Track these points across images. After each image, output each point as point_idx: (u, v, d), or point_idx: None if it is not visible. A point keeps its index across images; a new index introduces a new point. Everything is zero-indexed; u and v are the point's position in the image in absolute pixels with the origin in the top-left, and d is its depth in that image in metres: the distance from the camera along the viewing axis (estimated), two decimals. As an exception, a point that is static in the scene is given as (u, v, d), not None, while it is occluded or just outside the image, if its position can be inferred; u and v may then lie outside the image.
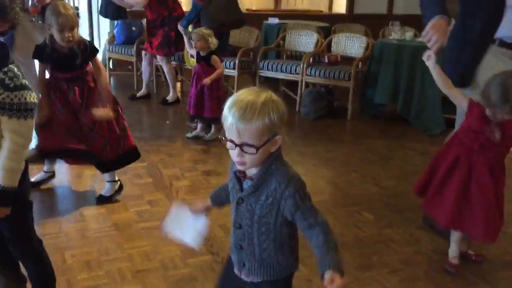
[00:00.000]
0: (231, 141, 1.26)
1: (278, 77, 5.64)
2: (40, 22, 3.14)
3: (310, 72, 5.27)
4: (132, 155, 3.06)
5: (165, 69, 5.51)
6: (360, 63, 5.30)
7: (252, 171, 1.34)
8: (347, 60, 5.57)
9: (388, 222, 2.91)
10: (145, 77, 5.73)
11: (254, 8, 8.46)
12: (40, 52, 2.76)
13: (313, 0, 9.26)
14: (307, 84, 5.46)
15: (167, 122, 5.01)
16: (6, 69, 1.56)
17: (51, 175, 3.24)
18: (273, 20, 6.75)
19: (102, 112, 2.76)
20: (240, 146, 1.25)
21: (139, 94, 5.72)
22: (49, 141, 2.83)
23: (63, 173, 3.39)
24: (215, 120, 4.10)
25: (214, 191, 1.60)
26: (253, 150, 1.25)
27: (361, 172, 3.66)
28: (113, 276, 2.26)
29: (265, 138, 1.25)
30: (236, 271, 1.49)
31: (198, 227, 1.55)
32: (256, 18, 7.28)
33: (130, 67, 6.42)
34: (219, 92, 4.20)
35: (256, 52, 5.82)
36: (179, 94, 5.66)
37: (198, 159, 3.83)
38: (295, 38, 5.97)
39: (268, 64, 5.57)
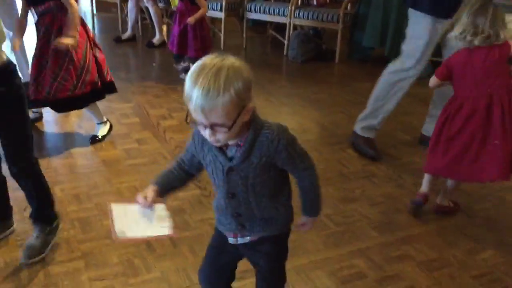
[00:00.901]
0: (200, 123, 1.15)
1: (266, 19, 5.55)
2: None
3: (298, 14, 5.19)
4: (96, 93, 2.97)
5: (151, 10, 5.40)
6: (349, 4, 5.22)
7: (233, 140, 1.24)
8: (336, 2, 5.48)
9: (372, 160, 2.97)
10: (130, 19, 5.62)
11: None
12: None
13: None
14: (295, 27, 5.40)
15: (154, 64, 4.96)
16: None
17: (39, 115, 3.23)
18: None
19: (64, 40, 2.66)
20: (210, 126, 1.14)
21: (124, 36, 5.62)
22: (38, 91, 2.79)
23: (50, 112, 3.37)
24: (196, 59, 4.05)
25: (162, 176, 1.39)
26: (225, 129, 1.14)
27: (347, 113, 3.70)
28: (101, 208, 2.31)
29: (235, 114, 1.13)
30: (230, 238, 1.42)
31: (159, 214, 1.31)
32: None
33: (114, 9, 6.27)
34: (203, 31, 4.13)
35: (243, -6, 5.70)
36: (165, 37, 5.57)
37: (172, 101, 3.82)
38: (283, -21, 5.83)
39: (255, 6, 5.47)
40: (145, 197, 1.30)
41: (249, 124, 1.21)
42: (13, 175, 1.90)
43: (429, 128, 3.14)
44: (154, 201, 1.31)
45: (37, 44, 2.77)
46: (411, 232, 2.28)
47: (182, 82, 4.22)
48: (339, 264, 2.02)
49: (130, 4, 5.51)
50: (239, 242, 1.42)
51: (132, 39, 5.65)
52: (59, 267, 1.91)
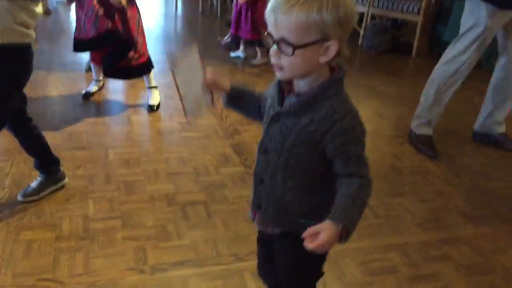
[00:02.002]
0: (270, 33, 0.99)
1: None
2: None
3: (378, 4, 5.02)
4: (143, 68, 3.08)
5: None
6: (434, -3, 4.96)
7: (300, 85, 1.05)
8: (420, -7, 5.24)
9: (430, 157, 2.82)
10: None
11: None
12: None
13: None
14: (373, 17, 5.23)
15: (219, 39, 4.98)
16: None
17: (101, 84, 3.39)
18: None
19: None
20: (278, 42, 0.97)
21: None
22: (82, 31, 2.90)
23: (116, 83, 3.54)
24: (257, 42, 4.04)
25: (241, 85, 1.24)
26: (289, 49, 0.96)
27: (413, 107, 3.49)
28: (148, 174, 2.39)
29: (309, 38, 0.95)
30: (250, 215, 1.26)
31: (202, 96, 1.19)
32: None
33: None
34: (255, 13, 4.04)
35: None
36: None
37: (249, 81, 3.85)
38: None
39: None
40: (215, 75, 1.16)
41: (325, 78, 1.03)
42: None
43: (481, 124, 2.97)
44: (214, 87, 1.17)
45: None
46: (457, 233, 2.14)
47: (247, 64, 4.24)
48: (371, 255, 1.94)
49: None
50: (256, 223, 1.26)
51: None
52: (98, 223, 2.00)
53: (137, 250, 1.85)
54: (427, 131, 2.89)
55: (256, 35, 3.96)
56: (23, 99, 2.02)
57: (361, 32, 5.18)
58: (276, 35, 0.97)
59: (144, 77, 3.17)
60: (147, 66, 3.08)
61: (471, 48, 2.62)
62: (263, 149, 1.14)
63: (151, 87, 3.19)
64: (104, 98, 3.33)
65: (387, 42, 4.95)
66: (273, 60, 1.02)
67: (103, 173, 2.37)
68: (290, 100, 1.06)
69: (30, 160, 2.23)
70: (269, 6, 0.97)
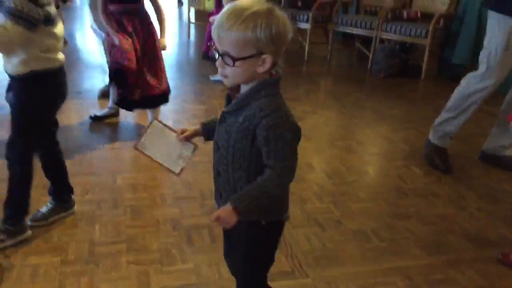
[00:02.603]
0: (216, 47, 1.15)
1: (353, 32, 5.49)
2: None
3: (386, 28, 5.08)
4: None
5: None
6: (442, 20, 5.00)
7: (244, 90, 1.21)
8: (429, 17, 5.27)
9: (436, 179, 2.82)
10: None
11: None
12: None
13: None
14: (382, 41, 5.28)
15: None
16: None
17: (115, 112, 3.47)
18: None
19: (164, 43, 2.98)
20: (222, 55, 1.14)
21: None
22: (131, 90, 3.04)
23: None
24: None
25: (209, 121, 1.41)
26: (230, 61, 1.13)
27: (420, 130, 3.54)
28: (154, 199, 2.43)
29: (247, 52, 1.11)
30: (215, 204, 1.37)
31: (183, 151, 1.39)
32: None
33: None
34: None
35: (332, 7, 5.69)
36: None
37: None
38: (375, -8, 5.75)
39: (344, 19, 5.44)
40: (184, 131, 1.38)
41: (258, 83, 1.17)
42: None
43: (490, 146, 2.97)
44: (189, 140, 1.38)
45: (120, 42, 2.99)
46: (463, 256, 2.13)
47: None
48: (374, 279, 1.94)
49: None
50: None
51: None
52: (103, 247, 2.04)
53: (141, 274, 1.88)
54: (445, 143, 2.91)
55: None
56: (55, 122, 2.11)
57: (370, 56, 5.23)
58: (220, 49, 1.14)
59: (148, 111, 3.24)
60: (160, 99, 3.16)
61: (492, 67, 2.62)
62: (215, 147, 1.28)
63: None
64: (114, 124, 3.41)
65: (396, 65, 4.99)
66: (219, 70, 1.18)
67: (110, 198, 2.42)
68: (233, 101, 1.22)
69: (40, 186, 2.30)
70: (214, 24, 1.13)
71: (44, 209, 2.19)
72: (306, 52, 5.56)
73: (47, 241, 2.05)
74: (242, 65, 1.13)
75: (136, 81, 2.99)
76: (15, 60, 1.86)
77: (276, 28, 1.11)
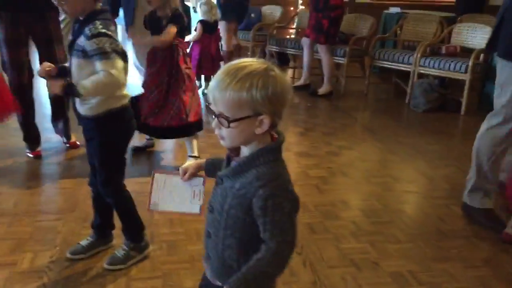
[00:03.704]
0: (212, 108, 1.12)
1: (390, 67, 5.47)
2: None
3: (424, 63, 5.04)
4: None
5: (323, 59, 5.34)
6: (482, 55, 4.93)
7: (243, 152, 1.17)
8: (468, 52, 5.21)
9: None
10: (305, 65, 5.59)
11: (377, -3, 8.27)
12: (145, 18, 3.14)
13: (443, -10, 8.77)
14: (420, 75, 5.23)
15: (309, 105, 5.09)
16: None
17: (153, 142, 3.55)
18: (394, 9, 6.55)
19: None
20: (217, 116, 1.11)
21: (298, 82, 5.63)
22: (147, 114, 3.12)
23: (166, 143, 3.69)
24: None
25: (213, 158, 1.37)
26: (225, 123, 1.09)
27: (461, 167, 3.45)
28: (190, 234, 2.45)
29: (242, 113, 1.07)
30: (204, 263, 1.30)
31: (194, 189, 1.35)
32: (376, 7, 7.13)
33: (248, 53, 6.68)
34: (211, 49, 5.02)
35: (369, 41, 5.70)
36: (332, 88, 5.47)
37: (293, 141, 3.92)
38: (412, 27, 5.74)
39: (381, 53, 5.44)
40: (187, 170, 1.33)
41: (262, 146, 1.13)
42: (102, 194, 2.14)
43: None
44: (194, 175, 1.34)
45: (152, 72, 3.09)
46: (507, 304, 2.04)
47: (292, 123, 4.25)
48: (413, 325, 1.88)
49: (305, 50, 5.51)
50: (206, 271, 1.29)
51: (305, 87, 5.54)
52: (139, 283, 2.06)
53: (175, 311, 1.88)
54: (486, 204, 2.69)
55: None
56: None
57: (408, 90, 5.19)
58: (215, 109, 1.11)
59: (186, 143, 3.28)
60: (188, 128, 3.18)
61: (507, 113, 2.50)
62: (210, 208, 1.23)
63: (191, 156, 3.24)
64: (153, 157, 3.48)
65: (435, 100, 4.92)
66: (215, 131, 1.14)
67: (147, 232, 2.43)
68: (232, 165, 1.18)
69: (81, 219, 2.36)
70: (210, 84, 1.11)
71: (84, 242, 2.23)
72: (342, 86, 5.56)
73: (85, 275, 2.08)
74: (238, 126, 1.09)
75: (156, 108, 3.08)
76: (94, 101, 1.94)
77: (273, 87, 1.07)
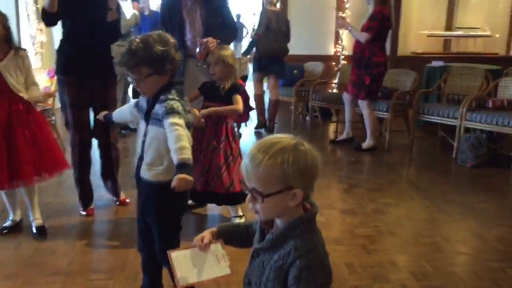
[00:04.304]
0: (245, 183, 1.17)
1: (436, 121, 5.41)
2: (204, 66, 3.59)
3: (471, 117, 4.97)
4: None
5: (364, 113, 5.35)
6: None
7: (278, 224, 1.20)
8: (516, 105, 5.12)
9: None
10: (347, 120, 5.65)
11: (419, 51, 8.32)
12: (202, 86, 3.26)
13: (487, 42, 8.73)
14: (467, 130, 5.15)
15: (352, 160, 5.09)
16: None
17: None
18: (437, 63, 6.56)
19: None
20: (251, 191, 1.15)
21: (340, 137, 5.71)
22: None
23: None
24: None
25: (227, 225, 1.44)
26: (259, 198, 1.13)
27: (515, 227, 3.33)
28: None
29: (275, 188, 1.11)
30: None
31: (216, 253, 1.37)
32: (419, 61, 7.16)
33: (291, 107, 6.79)
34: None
35: (413, 95, 5.69)
36: (376, 142, 5.42)
37: (337, 198, 3.90)
38: (456, 81, 5.71)
39: (425, 107, 5.42)
40: (202, 239, 1.34)
41: (296, 217, 1.16)
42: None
43: None
44: (210, 242, 1.35)
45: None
46: None
47: (336, 180, 4.21)
48: None
49: (346, 105, 5.53)
50: None
51: (349, 141, 5.57)
52: None
53: None
54: None
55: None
56: None
57: (455, 145, 5.10)
58: (249, 185, 1.15)
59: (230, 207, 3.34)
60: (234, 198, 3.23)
61: None
62: (247, 281, 1.26)
63: (235, 216, 3.31)
64: (204, 213, 3.54)
65: (483, 155, 4.80)
66: (249, 206, 1.18)
67: None
68: (268, 238, 1.21)
69: (131, 278, 2.40)
70: (243, 161, 1.17)
71: None
72: (386, 140, 5.54)
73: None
74: (272, 200, 1.13)
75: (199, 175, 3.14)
76: (161, 167, 2.03)
77: (304, 161, 1.12)
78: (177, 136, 1.89)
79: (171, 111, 1.93)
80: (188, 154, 1.88)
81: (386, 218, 3.50)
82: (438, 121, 5.37)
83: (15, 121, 2.87)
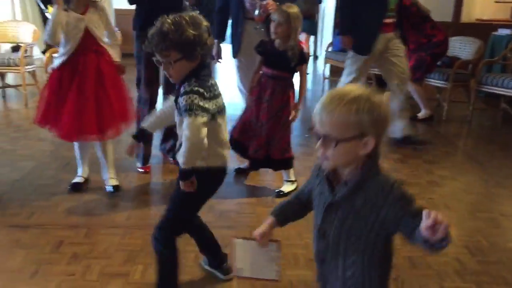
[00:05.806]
0: (316, 130, 1.18)
1: (498, 92, 5.16)
2: (262, 29, 3.55)
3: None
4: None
5: (411, 88, 5.10)
6: None
7: (345, 174, 1.23)
8: None
9: None
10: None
11: (485, 18, 7.88)
12: (261, 45, 3.17)
13: None
14: (533, 103, 4.90)
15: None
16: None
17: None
18: (504, 31, 6.20)
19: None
20: (324, 137, 1.16)
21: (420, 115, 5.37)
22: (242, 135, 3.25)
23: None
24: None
25: (280, 207, 1.48)
26: (332, 143, 1.14)
27: None
28: (288, 259, 2.48)
29: (349, 134, 1.13)
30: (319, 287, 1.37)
31: (270, 253, 1.40)
32: (484, 28, 6.78)
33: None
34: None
35: (475, 65, 5.43)
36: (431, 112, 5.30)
37: (391, 168, 3.83)
38: (525, 51, 5.40)
39: (488, 78, 5.16)
40: (263, 235, 1.40)
41: (365, 164, 1.20)
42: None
43: None
44: (271, 239, 1.41)
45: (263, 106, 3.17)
46: None
47: (392, 150, 4.11)
48: None
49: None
50: None
51: (429, 118, 5.29)
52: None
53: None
54: None
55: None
56: None
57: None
58: (321, 131, 1.17)
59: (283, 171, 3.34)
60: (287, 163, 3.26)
61: None
62: (321, 233, 1.28)
63: (288, 181, 3.33)
64: (252, 179, 3.58)
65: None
66: (318, 153, 1.20)
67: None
68: (340, 189, 1.23)
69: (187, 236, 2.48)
70: (316, 107, 1.18)
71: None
72: (445, 111, 5.35)
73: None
74: (344, 146, 1.15)
75: (258, 142, 3.17)
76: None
77: (378, 111, 1.15)
78: (185, 142, 1.84)
79: (189, 109, 1.81)
80: (188, 164, 1.85)
81: (441, 191, 3.43)
82: (501, 92, 5.12)
83: (104, 71, 2.98)
